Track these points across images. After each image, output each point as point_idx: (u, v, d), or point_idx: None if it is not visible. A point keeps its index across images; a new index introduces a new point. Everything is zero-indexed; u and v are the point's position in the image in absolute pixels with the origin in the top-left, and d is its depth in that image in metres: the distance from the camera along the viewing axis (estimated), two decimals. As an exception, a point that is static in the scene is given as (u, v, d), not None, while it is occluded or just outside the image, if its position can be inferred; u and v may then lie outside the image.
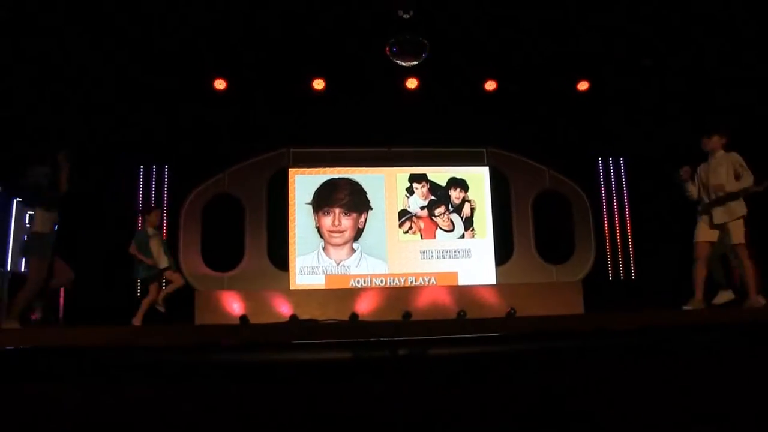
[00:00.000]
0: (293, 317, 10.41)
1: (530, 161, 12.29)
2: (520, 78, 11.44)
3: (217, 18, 9.45)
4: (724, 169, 7.05)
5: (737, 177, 7.02)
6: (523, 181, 12.25)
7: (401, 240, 11.97)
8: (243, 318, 10.31)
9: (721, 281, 7.69)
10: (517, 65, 11.17)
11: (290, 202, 11.85)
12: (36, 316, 7.97)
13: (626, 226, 12.42)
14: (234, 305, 10.88)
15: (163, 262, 9.15)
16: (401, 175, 12.27)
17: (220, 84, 11.20)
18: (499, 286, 11.53)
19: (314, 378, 2.11)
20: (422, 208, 12.17)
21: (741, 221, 6.99)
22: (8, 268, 8.95)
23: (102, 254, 10.28)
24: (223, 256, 11.46)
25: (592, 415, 2.37)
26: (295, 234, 11.74)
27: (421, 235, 12.07)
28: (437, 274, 11.78)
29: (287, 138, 11.87)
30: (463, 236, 12.16)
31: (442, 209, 12.22)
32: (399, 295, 11.31)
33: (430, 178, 12.34)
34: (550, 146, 11.99)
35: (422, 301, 11.19)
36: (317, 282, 11.56)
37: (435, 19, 9.35)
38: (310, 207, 11.90)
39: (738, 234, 6.95)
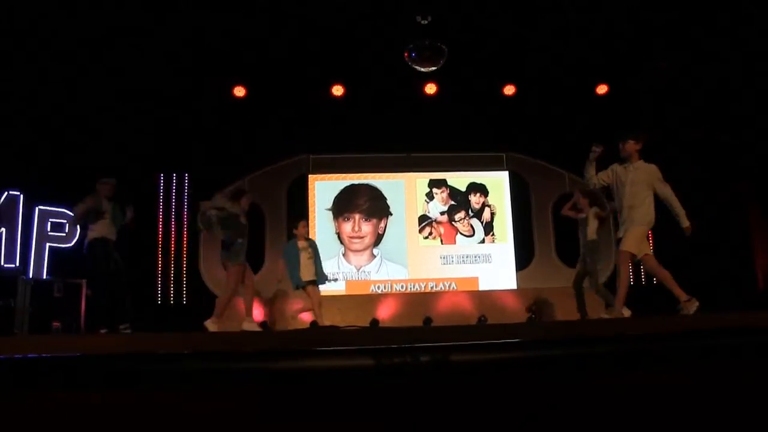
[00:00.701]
0: (314, 323, 10.41)
1: (550, 165, 12.24)
2: (539, 82, 11.39)
3: (236, 25, 9.49)
4: (642, 189, 7.05)
5: (656, 191, 7.04)
6: (543, 186, 12.20)
7: (421, 245, 11.96)
8: (264, 324, 10.33)
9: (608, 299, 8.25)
10: (535, 69, 11.14)
11: (310, 209, 11.87)
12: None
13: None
14: (254, 311, 10.88)
15: (307, 275, 8.96)
16: (421, 180, 12.26)
17: (239, 91, 11.26)
18: (520, 291, 11.47)
19: (335, 385, 2.09)
20: (442, 213, 12.15)
21: (639, 231, 7.05)
22: (30, 276, 9.03)
23: (123, 262, 10.33)
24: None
25: (614, 421, 2.34)
26: (315, 240, 11.75)
27: (441, 241, 12.04)
28: (458, 280, 11.75)
29: (307, 144, 11.90)
30: (483, 241, 12.12)
31: (462, 214, 12.19)
32: (419, 300, 11.29)
33: (449, 183, 12.32)
34: (570, 150, 11.90)
35: (443, 307, 11.16)
36: (338, 288, 11.56)
37: (453, 24, 9.34)
38: (330, 213, 11.92)
39: (629, 242, 6.98)
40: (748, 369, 2.36)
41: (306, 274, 8.96)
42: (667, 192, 7.05)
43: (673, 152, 11.36)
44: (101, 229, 8.15)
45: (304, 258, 8.99)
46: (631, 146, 7.18)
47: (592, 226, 8.95)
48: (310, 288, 8.99)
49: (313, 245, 9.21)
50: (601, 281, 9.07)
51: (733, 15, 9.34)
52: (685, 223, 7.09)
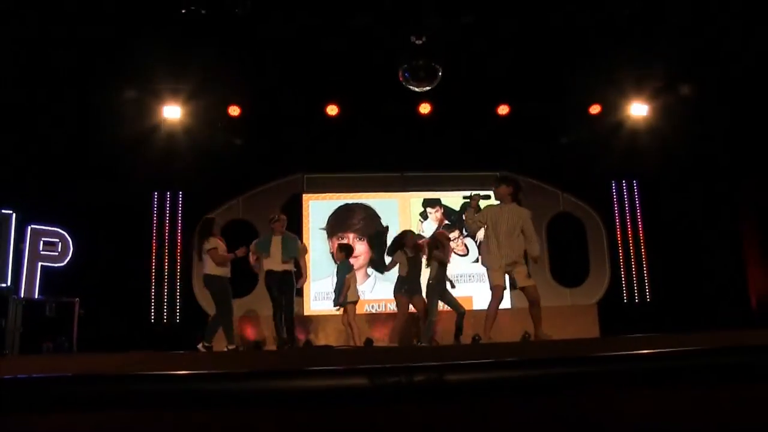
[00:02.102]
0: (308, 343, 10.39)
1: (544, 184, 12.26)
2: (532, 102, 11.45)
3: (231, 44, 9.52)
4: (512, 227, 7.32)
5: (523, 232, 7.34)
6: (536, 205, 12.18)
7: (415, 265, 11.93)
8: (257, 344, 10.30)
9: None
10: (529, 89, 11.20)
11: (304, 228, 11.84)
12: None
13: (641, 249, 12.32)
14: (248, 331, 10.85)
15: (352, 296, 9.40)
16: (415, 199, 12.27)
17: (234, 110, 11.27)
18: (514, 310, 11.43)
19: (329, 405, 2.08)
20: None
21: (524, 268, 7.39)
22: (22, 295, 8.97)
23: (116, 281, 10.31)
24: (237, 281, 11.44)
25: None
26: (309, 259, 11.71)
27: (436, 260, 12.02)
28: (452, 299, 11.71)
29: (301, 163, 11.91)
30: (477, 260, 12.10)
31: (456, 234, 12.18)
32: (414, 320, 11.25)
33: (443, 202, 12.33)
34: (564, 169, 11.96)
35: (437, 326, 11.12)
36: (332, 307, 11.49)
37: (447, 44, 9.39)
38: (324, 232, 11.90)
39: (522, 278, 7.36)
40: (735, 387, 2.36)
41: (351, 295, 9.37)
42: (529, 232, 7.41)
43: (669, 172, 11.47)
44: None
45: (353, 279, 9.45)
46: (504, 190, 7.53)
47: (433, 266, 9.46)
48: (350, 307, 9.39)
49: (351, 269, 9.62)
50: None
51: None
52: (535, 253, 7.51)
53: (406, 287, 9.42)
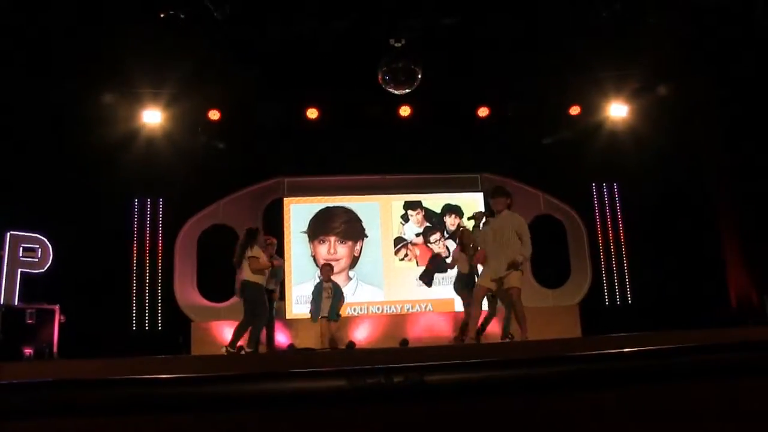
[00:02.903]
0: (290, 346, 10.38)
1: (525, 186, 12.31)
2: (512, 103, 11.52)
3: (211, 48, 9.50)
4: (508, 233, 7.46)
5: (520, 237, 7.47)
6: (517, 207, 12.22)
7: (397, 267, 11.96)
8: (240, 348, 10.26)
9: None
10: (509, 91, 11.26)
11: (285, 231, 11.82)
12: None
13: (621, 250, 12.41)
14: (231, 336, 10.81)
15: (324, 312, 9.61)
16: (396, 202, 12.29)
17: (214, 114, 11.24)
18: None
19: (309, 406, 2.09)
20: (417, 235, 12.18)
21: (518, 272, 7.44)
22: (1, 302, 8.89)
23: (96, 288, 10.24)
24: (219, 286, 11.41)
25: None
26: (290, 263, 11.71)
27: (417, 262, 12.06)
28: (434, 301, 11.75)
29: (282, 167, 11.88)
30: (460, 263, 12.16)
31: (437, 236, 12.22)
32: (396, 322, 11.29)
33: (424, 204, 12.35)
34: (544, 171, 12.02)
35: (419, 328, 11.17)
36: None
37: (426, 46, 9.42)
38: (306, 236, 11.89)
39: (514, 281, 7.38)
40: (715, 384, 2.40)
41: (324, 310, 9.62)
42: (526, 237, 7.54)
43: (650, 174, 11.56)
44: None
45: (325, 297, 9.68)
46: (501, 202, 7.70)
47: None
48: (323, 321, 9.65)
49: (336, 287, 9.94)
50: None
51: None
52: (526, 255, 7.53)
53: (465, 282, 9.47)
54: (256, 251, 8.68)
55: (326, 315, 9.57)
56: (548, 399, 2.32)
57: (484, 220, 8.24)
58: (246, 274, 8.67)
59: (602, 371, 2.45)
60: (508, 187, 8.24)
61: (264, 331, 9.09)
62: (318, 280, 10.17)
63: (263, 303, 8.77)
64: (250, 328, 8.61)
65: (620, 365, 2.53)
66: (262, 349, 9.06)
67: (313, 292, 9.88)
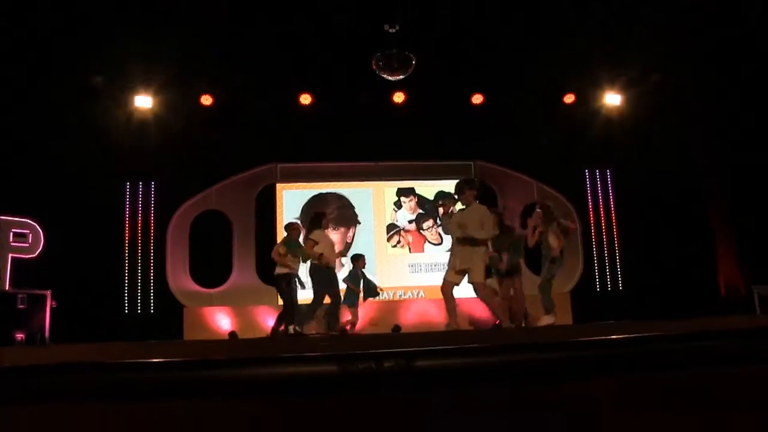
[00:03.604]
0: (284, 332, 10.39)
1: (518, 174, 12.32)
2: (507, 91, 11.50)
3: (204, 34, 9.46)
4: (474, 225, 7.38)
5: (482, 226, 7.41)
6: (511, 194, 12.27)
7: (390, 254, 11.97)
8: (232, 334, 10.29)
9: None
10: (503, 78, 11.24)
11: (278, 218, 11.81)
12: None
13: (614, 238, 12.44)
14: (223, 321, 10.84)
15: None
16: (389, 189, 12.28)
17: (207, 100, 11.20)
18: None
19: (300, 391, 2.10)
20: (410, 221, 12.18)
21: (482, 264, 7.47)
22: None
23: (88, 273, 10.21)
24: (212, 272, 11.42)
25: (579, 425, 2.37)
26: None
27: (410, 249, 12.07)
28: (426, 288, 11.76)
29: (275, 153, 11.85)
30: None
31: (430, 222, 12.22)
32: (388, 308, 11.30)
33: (417, 191, 12.35)
34: (538, 159, 12.02)
35: (411, 315, 11.18)
36: (306, 297, 11.50)
37: (421, 33, 9.39)
38: (298, 222, 11.87)
39: (477, 276, 7.40)
40: (702, 371, 2.41)
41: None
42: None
43: (642, 162, 11.58)
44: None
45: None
46: (468, 195, 7.62)
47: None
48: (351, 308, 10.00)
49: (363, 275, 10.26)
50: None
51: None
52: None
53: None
54: (315, 234, 8.92)
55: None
56: (538, 385, 2.33)
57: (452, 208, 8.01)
58: (306, 256, 8.92)
59: (593, 358, 2.46)
60: (476, 180, 8.39)
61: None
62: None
63: (323, 285, 8.97)
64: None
65: (610, 352, 2.54)
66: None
67: (350, 279, 10.10)
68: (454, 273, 7.50)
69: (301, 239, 9.15)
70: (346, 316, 9.89)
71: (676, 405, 2.41)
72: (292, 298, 8.97)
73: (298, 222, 9.91)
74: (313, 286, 8.98)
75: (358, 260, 10.17)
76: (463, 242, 7.38)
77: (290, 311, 8.91)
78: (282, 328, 8.98)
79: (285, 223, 11.07)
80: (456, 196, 7.83)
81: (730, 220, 11.23)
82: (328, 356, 2.11)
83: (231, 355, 2.43)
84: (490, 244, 7.67)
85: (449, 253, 7.75)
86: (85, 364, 2.33)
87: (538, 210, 9.12)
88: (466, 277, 7.58)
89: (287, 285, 8.93)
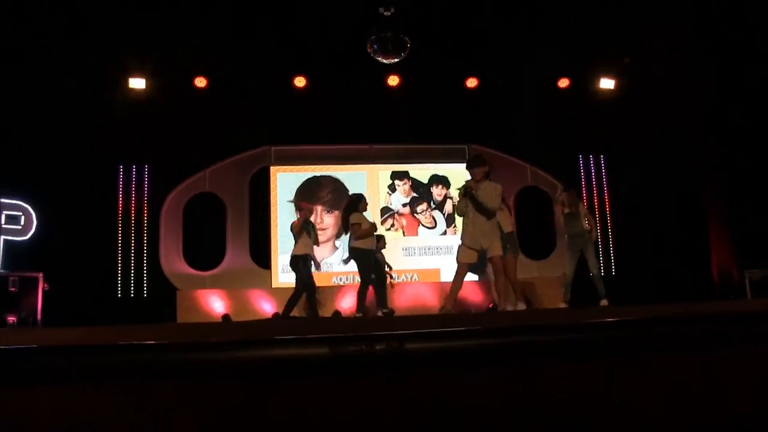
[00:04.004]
0: (276, 315, 10.40)
1: (512, 158, 12.32)
2: (501, 75, 11.48)
3: (197, 16, 9.40)
4: (488, 198, 7.37)
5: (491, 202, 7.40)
6: (504, 178, 12.24)
7: (383, 237, 11.97)
8: (225, 317, 10.29)
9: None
10: (498, 62, 11.22)
11: (272, 201, 11.81)
12: None
13: (607, 223, 12.47)
14: (216, 304, 10.83)
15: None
16: (383, 172, 12.27)
17: (200, 82, 11.15)
18: (481, 283, 11.53)
19: (291, 373, 2.10)
20: (404, 205, 12.18)
21: (498, 239, 7.48)
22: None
23: (81, 256, 10.19)
24: (205, 255, 11.42)
25: (566, 409, 2.37)
26: (277, 232, 11.70)
27: (404, 232, 12.07)
28: (420, 271, 11.79)
29: (269, 136, 11.82)
30: (445, 233, 12.18)
31: (424, 206, 12.23)
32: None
33: (412, 175, 12.35)
34: (532, 143, 12.01)
35: (405, 298, 11.19)
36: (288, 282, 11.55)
37: (416, 16, 9.35)
38: (292, 205, 11.86)
39: (496, 248, 7.38)
40: (695, 355, 2.42)
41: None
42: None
43: (636, 147, 11.59)
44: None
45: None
46: (479, 171, 7.54)
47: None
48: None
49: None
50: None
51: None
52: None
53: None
54: (356, 217, 8.92)
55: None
56: (529, 368, 2.34)
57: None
58: (352, 240, 8.94)
59: (583, 341, 2.47)
60: (485, 157, 8.20)
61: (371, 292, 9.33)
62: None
63: (370, 267, 9.05)
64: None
65: (602, 335, 2.55)
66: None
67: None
68: (470, 251, 7.43)
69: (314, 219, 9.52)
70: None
71: (664, 387, 2.42)
72: (304, 278, 9.15)
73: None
74: (360, 270, 9.03)
75: (380, 241, 10.15)
76: (475, 219, 7.35)
77: (308, 291, 9.11)
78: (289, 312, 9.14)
79: (278, 205, 11.13)
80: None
81: (724, 206, 11.26)
82: (320, 339, 2.11)
83: (222, 337, 2.42)
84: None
85: (462, 233, 7.64)
86: (74, 347, 2.32)
87: (565, 192, 9.25)
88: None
89: (303, 265, 9.11)
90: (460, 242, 7.63)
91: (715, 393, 2.43)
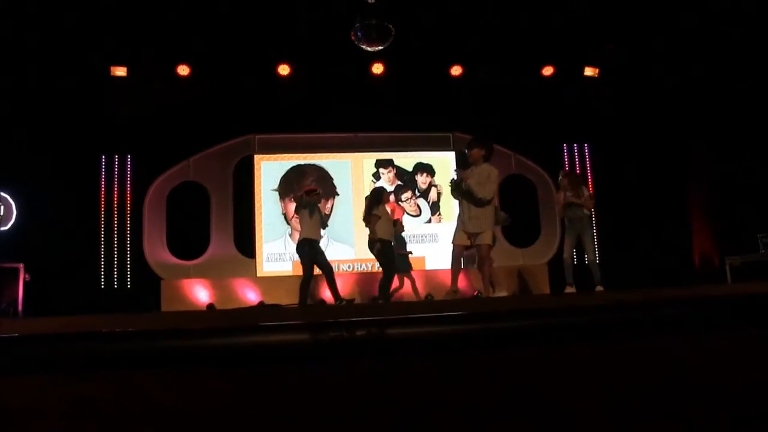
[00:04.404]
0: (260, 304, 10.40)
1: (496, 146, 12.29)
2: (485, 63, 11.47)
3: (179, 3, 9.33)
4: (481, 180, 7.29)
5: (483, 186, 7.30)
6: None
7: (368, 225, 11.98)
8: (210, 306, 10.28)
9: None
10: (482, 50, 11.21)
11: (256, 189, 11.77)
12: None
13: (591, 211, 12.50)
14: (201, 294, 10.81)
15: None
16: (367, 160, 12.26)
17: (183, 70, 11.08)
18: (466, 270, 11.54)
19: (271, 359, 2.10)
20: (389, 193, 12.18)
21: (490, 231, 7.35)
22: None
23: (64, 246, 10.12)
24: (189, 244, 11.37)
25: (549, 393, 2.38)
26: (261, 221, 11.68)
27: (388, 221, 12.07)
28: (404, 259, 11.80)
29: (252, 124, 11.77)
30: (429, 221, 12.19)
31: (408, 194, 12.23)
32: (366, 279, 11.32)
33: (396, 163, 12.34)
34: (516, 131, 12.03)
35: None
36: (284, 269, 11.53)
37: (400, 3, 9.32)
38: (277, 193, 11.84)
39: (487, 237, 7.28)
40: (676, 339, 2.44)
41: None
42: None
43: (620, 136, 11.64)
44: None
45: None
46: (477, 153, 7.50)
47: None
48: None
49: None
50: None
51: None
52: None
53: None
54: (380, 210, 9.01)
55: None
56: (510, 353, 2.34)
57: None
58: (373, 232, 9.01)
59: (564, 325, 2.48)
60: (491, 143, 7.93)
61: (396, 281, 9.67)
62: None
63: (392, 257, 9.22)
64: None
65: (585, 319, 2.56)
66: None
67: (398, 245, 10.18)
68: (465, 236, 7.36)
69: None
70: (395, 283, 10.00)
71: (645, 370, 2.43)
72: (313, 262, 9.15)
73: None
74: (382, 261, 9.15)
75: (397, 225, 10.26)
76: (470, 203, 7.30)
77: (328, 274, 9.17)
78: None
79: (262, 193, 11.09)
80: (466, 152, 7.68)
81: (705, 194, 11.35)
82: (300, 325, 2.11)
83: (204, 325, 2.41)
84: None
85: (458, 215, 7.57)
86: (57, 335, 2.31)
87: (566, 177, 9.24)
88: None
89: (309, 249, 9.09)
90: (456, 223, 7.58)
91: (698, 374, 2.45)
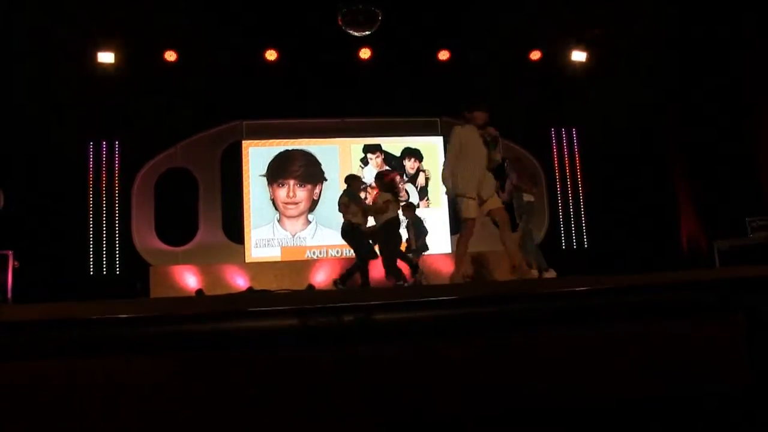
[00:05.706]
0: (249, 289, 10.41)
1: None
2: (473, 47, 11.46)
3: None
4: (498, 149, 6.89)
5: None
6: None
7: (356, 211, 11.99)
8: (199, 292, 10.28)
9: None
10: (470, 35, 11.19)
11: (244, 175, 11.76)
12: None
13: (579, 195, 12.58)
14: (190, 280, 10.81)
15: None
16: (355, 145, 12.26)
17: (171, 55, 11.01)
18: (454, 255, 11.58)
19: (261, 344, 2.12)
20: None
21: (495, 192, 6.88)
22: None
23: (52, 233, 10.09)
24: (178, 230, 11.36)
25: (538, 375, 2.42)
26: (249, 207, 11.67)
27: (377, 206, 12.09)
28: (393, 244, 11.82)
29: (240, 110, 11.73)
30: (418, 206, 12.21)
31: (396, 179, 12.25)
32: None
33: (384, 148, 12.34)
34: (504, 116, 12.00)
35: (379, 271, 11.22)
36: (273, 254, 11.54)
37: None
38: (265, 179, 11.83)
39: (498, 201, 6.82)
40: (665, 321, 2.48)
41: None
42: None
43: (608, 121, 11.66)
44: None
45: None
46: (479, 116, 6.99)
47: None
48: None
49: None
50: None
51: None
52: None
53: None
54: (385, 196, 9.31)
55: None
56: (496, 337, 2.37)
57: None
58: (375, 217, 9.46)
59: (548, 310, 2.51)
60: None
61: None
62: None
63: (396, 237, 9.54)
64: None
65: (572, 304, 2.59)
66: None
67: (415, 229, 10.50)
68: (475, 205, 6.49)
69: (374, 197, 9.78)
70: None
71: (631, 351, 2.47)
72: (358, 246, 9.52)
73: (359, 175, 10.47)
74: (388, 242, 9.39)
75: (411, 209, 10.54)
76: (474, 167, 6.60)
77: (364, 259, 9.50)
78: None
79: (250, 179, 11.07)
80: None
81: (692, 178, 11.41)
82: (289, 310, 2.14)
83: (194, 310, 2.44)
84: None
85: (454, 186, 6.58)
86: (48, 321, 2.32)
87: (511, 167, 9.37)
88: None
89: (352, 233, 9.43)
90: (458, 197, 6.57)
91: (681, 356, 2.49)
